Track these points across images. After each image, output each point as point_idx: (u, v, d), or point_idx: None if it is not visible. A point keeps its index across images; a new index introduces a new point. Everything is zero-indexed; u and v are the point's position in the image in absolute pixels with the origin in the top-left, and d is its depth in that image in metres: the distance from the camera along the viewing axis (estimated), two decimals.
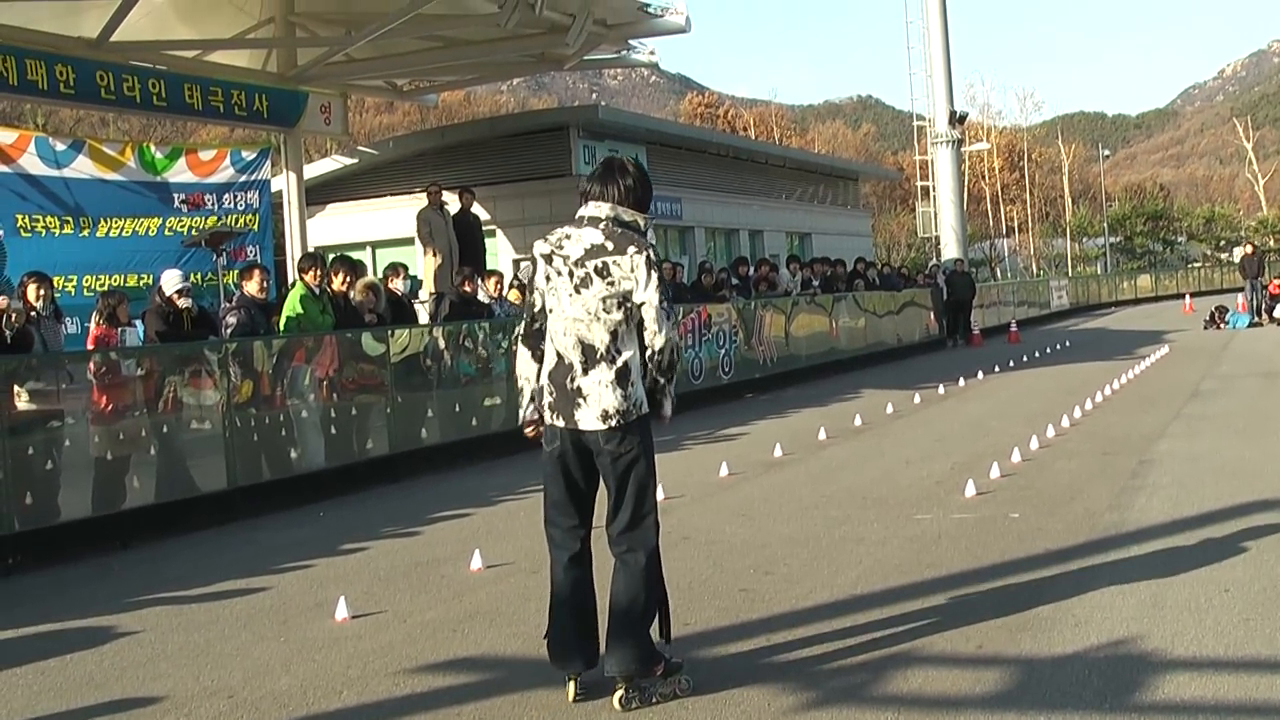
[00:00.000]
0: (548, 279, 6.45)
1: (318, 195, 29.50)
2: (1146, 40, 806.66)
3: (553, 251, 6.44)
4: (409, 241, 25.77)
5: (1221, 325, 37.09)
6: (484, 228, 25.49)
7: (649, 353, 6.40)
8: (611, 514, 6.72)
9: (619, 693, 6.35)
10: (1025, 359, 28.61)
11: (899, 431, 16.95)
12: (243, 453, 13.59)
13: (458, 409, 17.03)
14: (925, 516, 10.82)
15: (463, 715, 6.33)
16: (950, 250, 42.21)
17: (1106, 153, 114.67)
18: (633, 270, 6.26)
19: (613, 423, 6.33)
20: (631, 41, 26.09)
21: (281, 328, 15.09)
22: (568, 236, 6.43)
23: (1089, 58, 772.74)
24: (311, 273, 15.46)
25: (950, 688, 6.39)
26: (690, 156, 35.26)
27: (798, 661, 6.92)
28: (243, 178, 21.76)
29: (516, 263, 27.00)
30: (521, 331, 6.77)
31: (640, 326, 6.38)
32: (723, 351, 23.65)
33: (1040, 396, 19.79)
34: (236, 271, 17.74)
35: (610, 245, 6.31)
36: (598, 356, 6.31)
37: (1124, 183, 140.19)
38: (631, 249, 6.29)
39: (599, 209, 6.44)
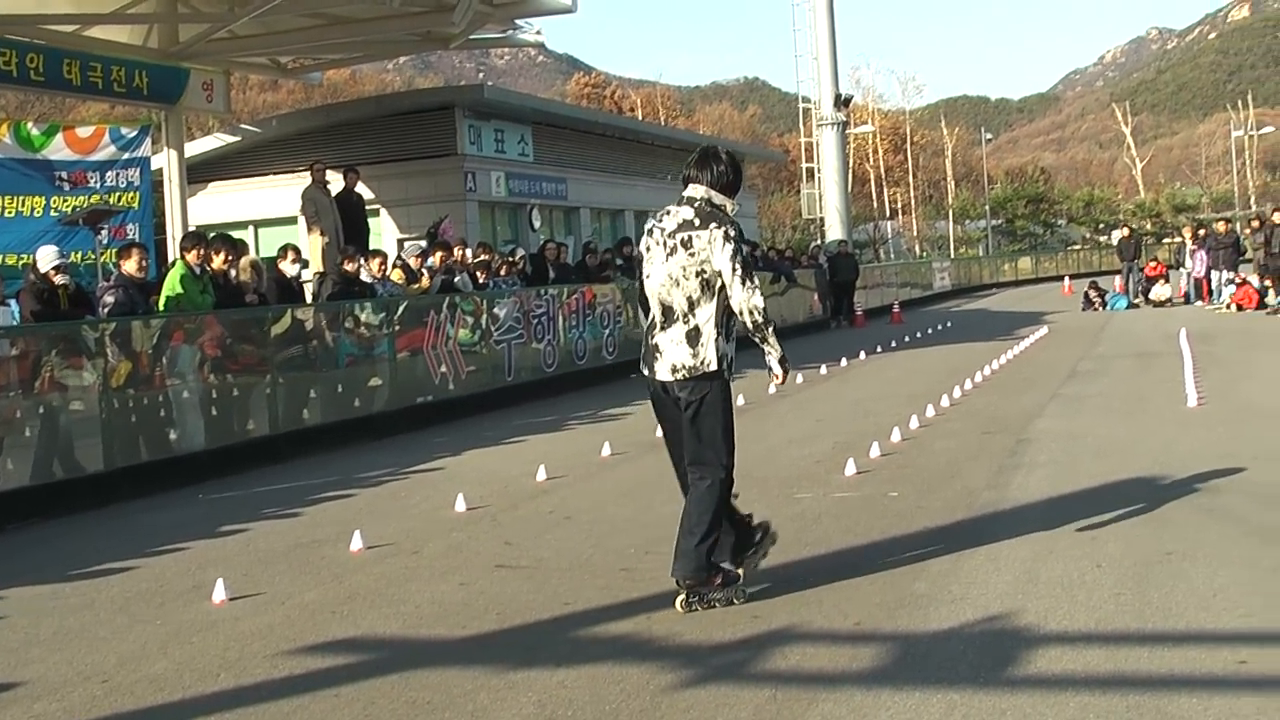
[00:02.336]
0: (647, 249, 7.48)
1: (199, 173, 29.14)
2: (1029, 26, 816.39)
3: (654, 226, 7.47)
4: (292, 220, 25.56)
5: (1099, 307, 37.64)
6: (368, 207, 25.33)
7: (739, 313, 7.33)
8: (686, 448, 7.59)
9: (680, 596, 7.41)
10: (907, 340, 28.91)
11: (781, 412, 17.05)
12: (121, 434, 13.44)
13: (340, 389, 16.96)
14: (806, 495, 10.92)
15: (341, 697, 6.30)
16: (834, 232, 42.44)
17: (989, 136, 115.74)
18: (710, 243, 7.20)
19: (680, 375, 7.36)
20: (518, 21, 26.05)
21: (161, 307, 14.90)
22: (668, 213, 7.46)
23: (974, 43, 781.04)
24: (194, 252, 15.27)
25: (828, 664, 6.46)
26: (576, 137, 35.20)
27: (677, 640, 6.95)
28: (123, 155, 21.41)
29: (401, 242, 26.80)
30: (638, 294, 7.72)
31: (723, 295, 7.29)
32: (607, 332, 23.68)
33: (921, 377, 19.99)
34: (115, 250, 17.49)
35: (697, 221, 7.28)
36: (674, 317, 7.34)
37: (1006, 166, 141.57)
38: (714, 224, 7.24)
39: (695, 190, 7.44)
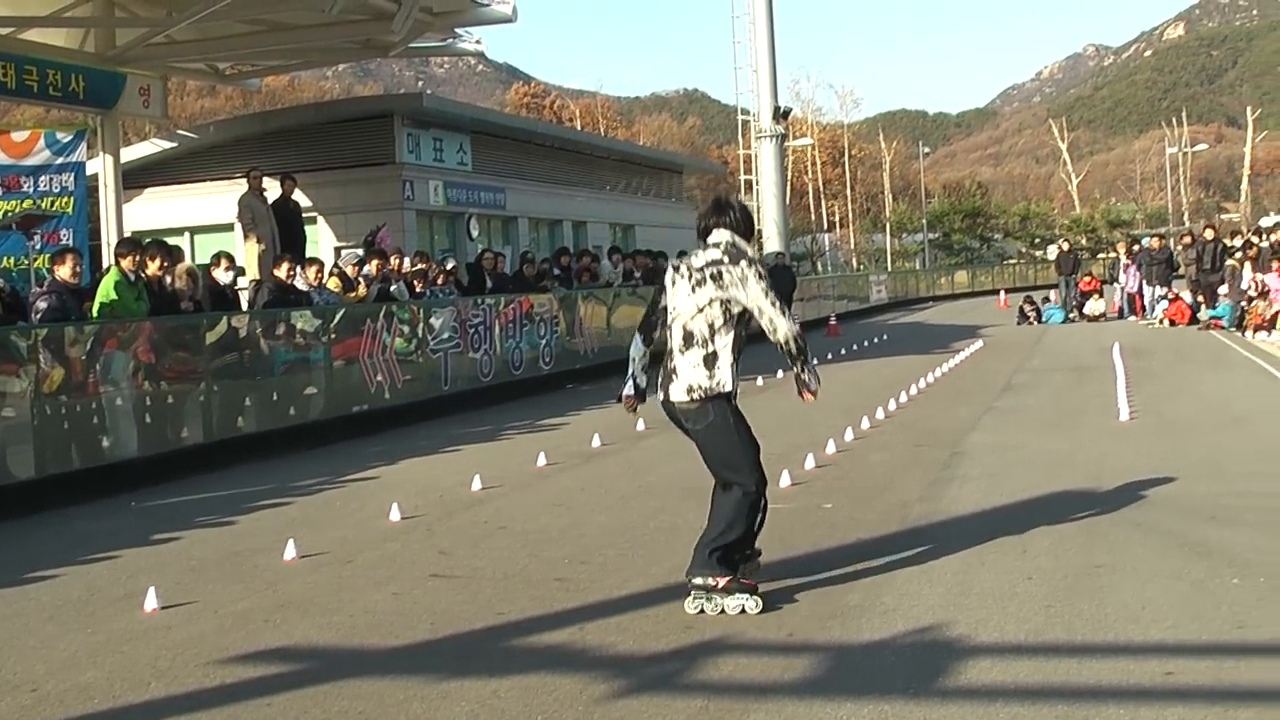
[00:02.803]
0: (673, 283, 7.87)
1: (135, 179, 28.91)
2: (967, 42, 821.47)
3: (680, 264, 7.95)
4: (229, 227, 25.43)
5: (1034, 321, 37.93)
6: (306, 215, 25.24)
7: (780, 342, 7.86)
8: (712, 470, 7.99)
9: (689, 596, 7.66)
10: (844, 352, 29.01)
11: None
12: (53, 441, 13.33)
13: (276, 397, 16.87)
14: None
15: (273, 706, 6.28)
16: (772, 244, 42.42)
17: (926, 150, 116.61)
18: (741, 279, 7.64)
19: (695, 395, 7.71)
20: (458, 30, 26.02)
21: (95, 313, 14.79)
22: (695, 254, 7.93)
23: (912, 57, 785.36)
24: (129, 258, 15.17)
25: (761, 675, 6.49)
26: (515, 146, 35.16)
27: (611, 649, 6.98)
28: (58, 160, 21.19)
29: (338, 250, 26.72)
30: (643, 324, 8.15)
31: (740, 326, 7.78)
32: (544, 342, 23.67)
33: (857, 389, 20.07)
34: (48, 256, 17.34)
35: (726, 260, 7.73)
36: (694, 342, 7.70)
37: (943, 180, 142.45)
38: (743, 262, 7.73)
39: (720, 235, 7.88)
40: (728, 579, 7.59)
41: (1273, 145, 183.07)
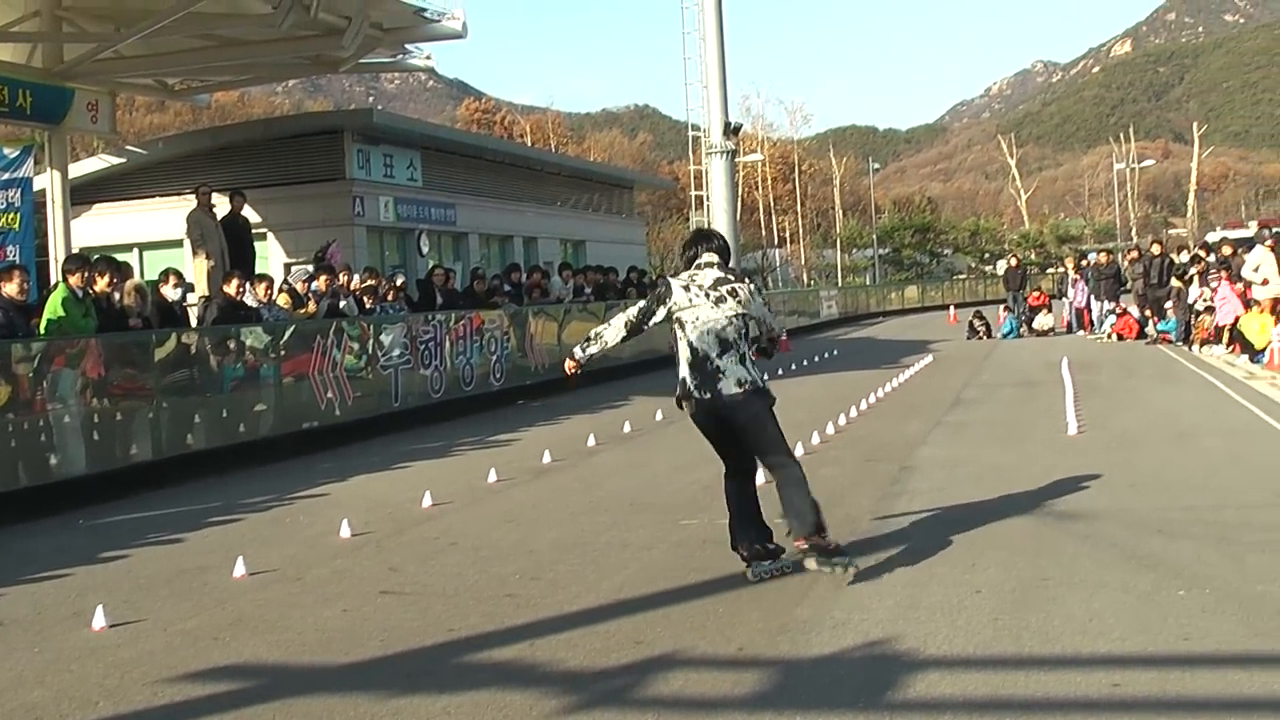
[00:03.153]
0: (690, 301, 8.98)
1: (83, 195, 28.75)
2: (917, 58, 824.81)
3: (689, 283, 9.04)
4: (178, 244, 25.30)
5: (984, 336, 38.16)
6: (256, 231, 25.14)
7: (761, 339, 9.38)
8: (760, 453, 9.19)
9: (803, 552, 8.77)
10: (794, 367, 29.06)
11: (668, 438, 17.11)
12: None
13: (225, 414, 16.78)
14: (691, 521, 10.97)
15: None
16: None
17: (876, 166, 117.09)
18: (751, 295, 9.16)
19: (745, 388, 8.90)
20: (408, 46, 25.97)
21: (42, 330, 14.70)
22: (698, 273, 9.16)
23: (863, 73, 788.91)
24: (77, 275, 15.09)
25: (711, 689, 6.50)
26: (465, 162, 35.11)
27: (561, 665, 6.97)
28: (4, 176, 21.08)
29: (288, 267, 26.63)
30: (631, 320, 9.21)
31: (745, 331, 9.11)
32: (494, 358, 23.65)
33: (807, 404, 20.11)
34: None
35: (732, 278, 9.16)
36: (729, 346, 8.92)
37: (893, 195, 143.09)
38: (746, 281, 9.32)
39: (712, 257, 9.27)
40: (824, 538, 8.79)
41: (1219, 161, 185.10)
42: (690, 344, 9.00)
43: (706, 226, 11.13)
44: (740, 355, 8.99)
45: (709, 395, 8.95)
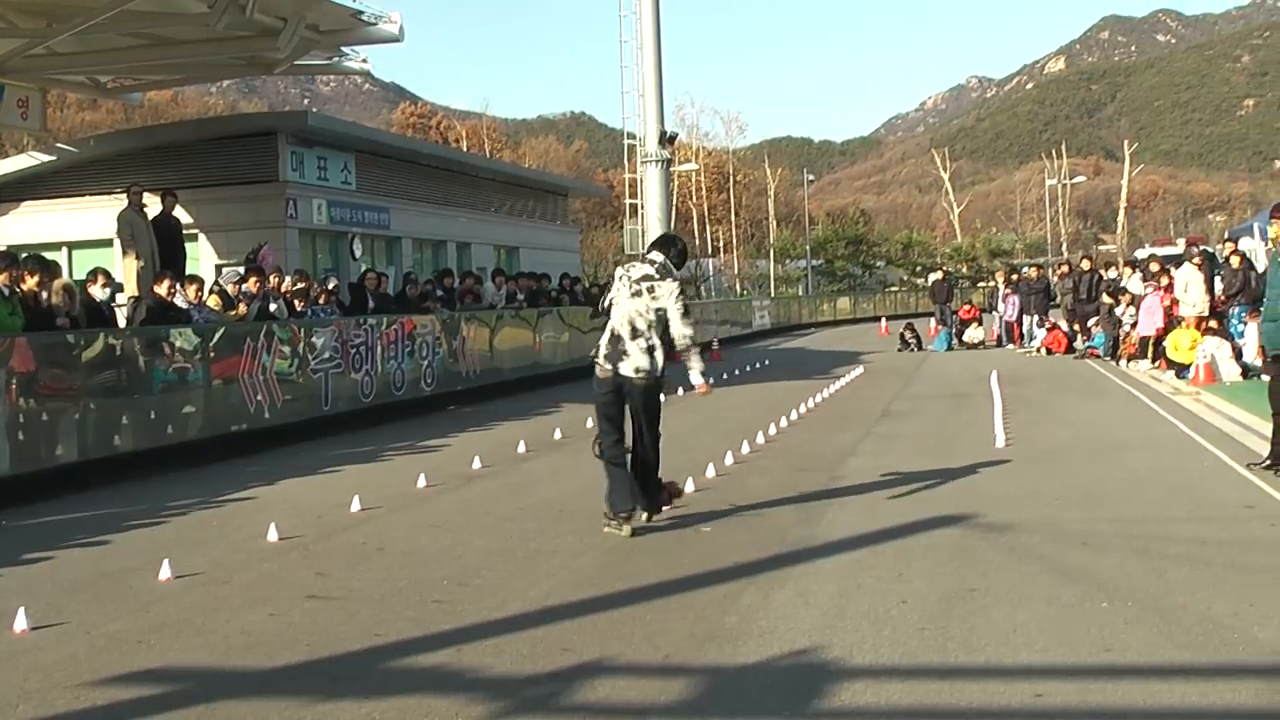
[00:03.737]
0: (617, 289, 10.91)
1: (11, 192, 28.49)
2: (853, 71, 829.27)
3: (622, 274, 11.00)
4: (108, 243, 25.06)
5: (915, 347, 38.42)
6: (187, 232, 24.94)
7: (676, 339, 10.74)
8: (637, 433, 11.00)
9: (642, 518, 11.04)
10: (725, 376, 29.07)
11: None
12: None
13: (153, 416, 16.63)
14: (620, 530, 10.98)
15: None
16: None
17: (811, 177, 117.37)
18: (668, 293, 10.69)
19: (640, 375, 10.68)
20: (344, 49, 25.85)
21: None
22: (634, 265, 11.07)
23: (799, 85, 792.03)
24: (3, 273, 14.94)
25: (637, 697, 6.52)
26: (400, 166, 34.96)
27: (488, 671, 6.97)
28: None
29: (219, 268, 26.44)
30: (598, 308, 11.47)
31: (666, 327, 10.70)
32: (426, 363, 23.58)
33: (737, 414, 20.16)
34: None
35: (657, 276, 10.80)
36: (639, 334, 10.66)
37: (827, 207, 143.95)
38: (669, 279, 10.84)
39: (657, 255, 11.07)
40: (661, 508, 11.26)
41: (1149, 179, 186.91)
42: (611, 324, 10.81)
43: (670, 233, 13.93)
44: (649, 345, 10.63)
45: (611, 370, 10.73)
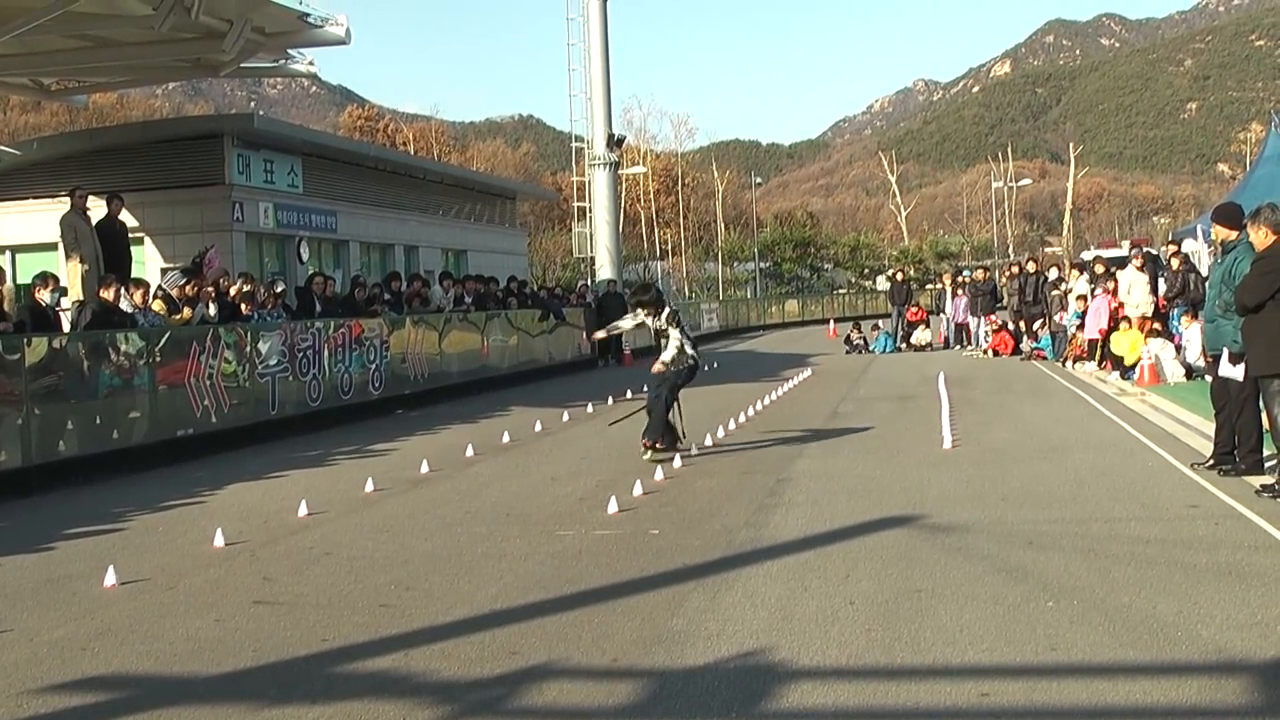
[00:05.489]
0: (636, 316, 16.54)
1: None
2: (801, 74, 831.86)
3: (639, 310, 16.49)
4: (51, 247, 24.93)
5: (862, 349, 38.57)
6: (133, 235, 24.79)
7: (677, 349, 15.84)
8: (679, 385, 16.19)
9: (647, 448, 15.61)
10: None
11: (546, 449, 17.15)
12: None
13: (98, 421, 16.52)
14: (568, 533, 10.98)
15: None
16: (604, 271, 42.63)
17: (759, 180, 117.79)
18: (668, 318, 16.01)
19: (669, 364, 15.90)
20: (291, 51, 25.75)
21: None
22: (639, 312, 16.50)
23: (746, 88, 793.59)
24: None
25: (584, 700, 6.51)
26: (347, 169, 34.85)
27: (436, 675, 6.95)
28: None
29: (164, 272, 26.28)
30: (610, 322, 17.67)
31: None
32: (374, 366, 23.51)
33: (686, 416, 20.12)
34: None
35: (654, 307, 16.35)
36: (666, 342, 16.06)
37: (775, 209, 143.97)
38: (665, 311, 16.10)
39: (647, 296, 16.60)
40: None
41: (1094, 181, 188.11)
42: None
43: (653, 282, 16.58)
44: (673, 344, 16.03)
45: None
